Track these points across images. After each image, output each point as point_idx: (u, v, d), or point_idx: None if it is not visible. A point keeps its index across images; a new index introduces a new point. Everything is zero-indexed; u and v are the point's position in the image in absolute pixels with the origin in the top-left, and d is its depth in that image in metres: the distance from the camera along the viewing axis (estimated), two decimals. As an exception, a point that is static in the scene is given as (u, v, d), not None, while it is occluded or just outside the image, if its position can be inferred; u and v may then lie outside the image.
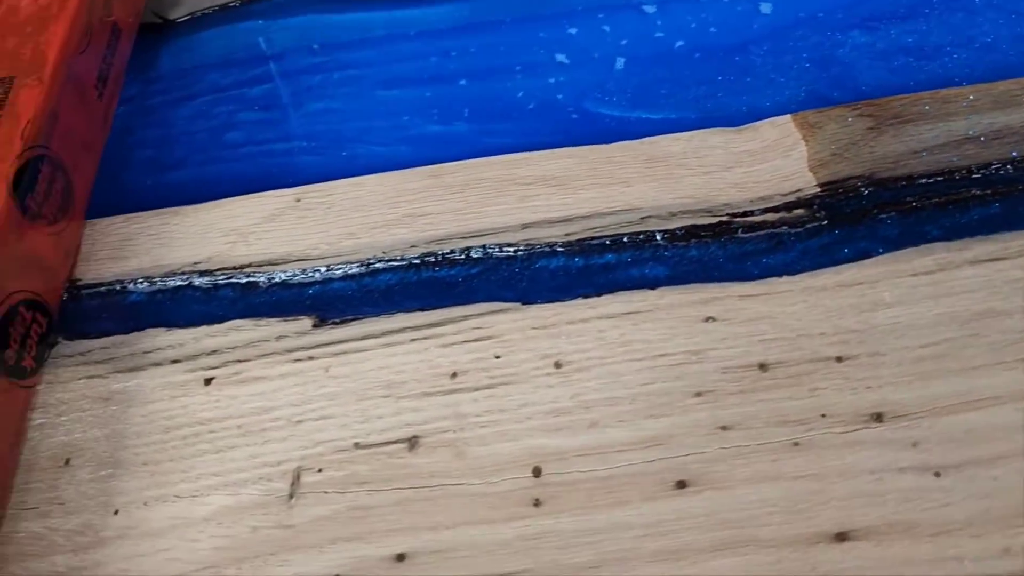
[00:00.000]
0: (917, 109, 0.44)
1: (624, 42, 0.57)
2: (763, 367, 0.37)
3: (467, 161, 0.46)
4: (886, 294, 0.39)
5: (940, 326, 0.37)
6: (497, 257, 0.42)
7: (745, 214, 0.42)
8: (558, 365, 0.38)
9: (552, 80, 0.56)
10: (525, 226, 0.43)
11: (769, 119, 0.45)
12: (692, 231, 0.42)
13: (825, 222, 0.41)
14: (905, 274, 0.39)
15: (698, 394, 0.37)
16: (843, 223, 0.41)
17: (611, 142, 0.48)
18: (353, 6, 0.61)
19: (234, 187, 0.53)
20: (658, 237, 0.42)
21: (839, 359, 0.37)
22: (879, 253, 0.40)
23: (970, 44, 0.51)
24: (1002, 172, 0.42)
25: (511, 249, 0.42)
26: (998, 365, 0.36)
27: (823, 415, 0.36)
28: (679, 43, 0.54)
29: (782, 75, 0.52)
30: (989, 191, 0.41)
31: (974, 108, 0.43)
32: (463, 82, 0.57)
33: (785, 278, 0.40)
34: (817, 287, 0.39)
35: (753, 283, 0.40)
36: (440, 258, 0.42)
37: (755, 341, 0.38)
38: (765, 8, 0.55)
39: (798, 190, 0.42)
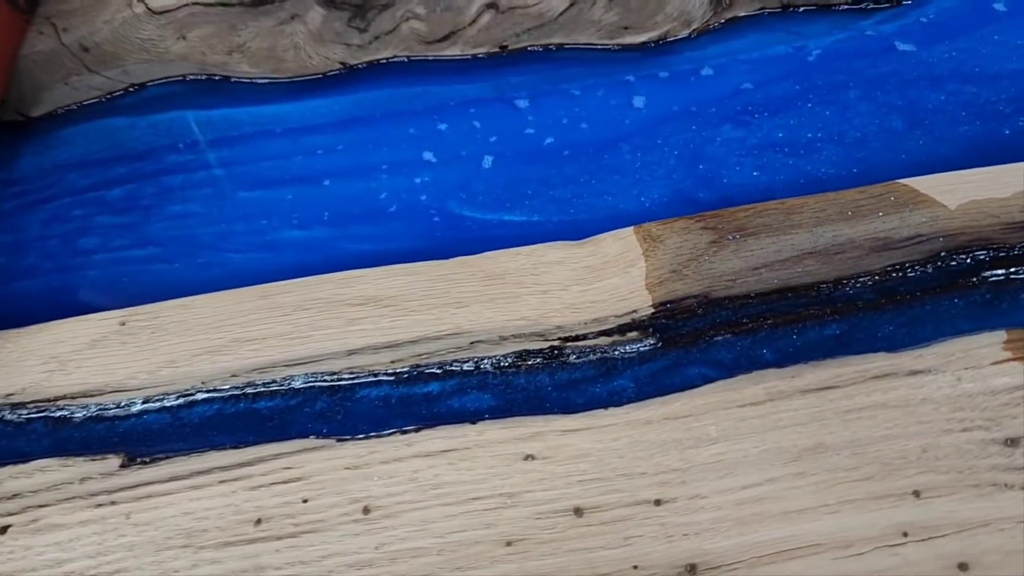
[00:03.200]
0: (761, 221, 0.42)
1: (493, 139, 0.55)
2: (578, 512, 0.35)
3: (299, 280, 0.44)
4: (712, 428, 0.37)
5: (765, 464, 0.35)
6: (318, 387, 0.40)
7: (577, 338, 0.40)
8: (367, 511, 0.36)
9: (418, 180, 0.54)
10: (350, 352, 0.41)
11: (613, 232, 0.43)
12: (521, 357, 0.40)
13: (658, 345, 0.40)
14: (734, 404, 0.37)
15: (509, 543, 0.35)
16: (676, 346, 0.39)
17: (472, 245, 0.46)
18: (222, 102, 0.59)
19: (80, 299, 0.51)
20: (486, 364, 0.40)
21: (658, 502, 0.35)
22: (711, 379, 0.38)
23: (841, 139, 0.50)
24: (841, 290, 0.40)
25: (333, 378, 0.40)
26: (822, 508, 0.34)
27: (635, 566, 0.34)
28: (549, 140, 0.53)
29: (650, 173, 0.51)
30: (828, 310, 0.40)
31: (819, 219, 0.42)
32: (327, 182, 0.55)
33: (611, 410, 0.38)
34: (642, 420, 0.37)
35: (578, 416, 0.38)
36: (260, 388, 0.40)
37: (573, 482, 0.36)
38: (638, 102, 0.54)
39: (633, 311, 0.40)
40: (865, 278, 0.40)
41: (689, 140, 0.52)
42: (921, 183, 0.43)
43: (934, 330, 0.39)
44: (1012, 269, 0.40)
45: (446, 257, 0.44)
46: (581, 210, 0.50)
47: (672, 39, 0.55)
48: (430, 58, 0.57)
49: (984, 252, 0.40)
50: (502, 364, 0.40)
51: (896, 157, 0.49)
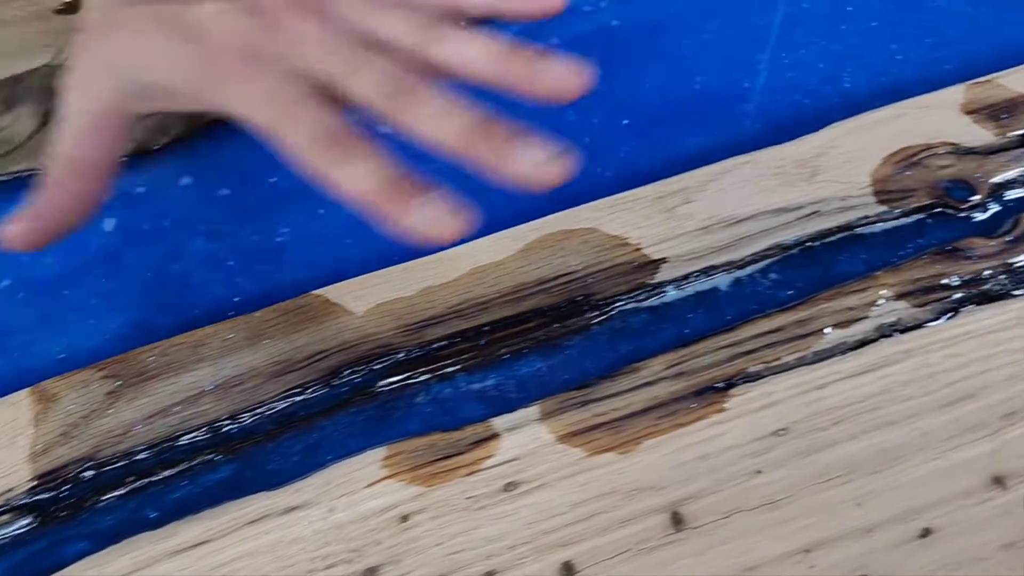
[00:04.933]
0: (167, 360, 0.40)
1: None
2: None
3: None
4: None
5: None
6: None
7: None
8: None
9: None
10: None
11: (6, 397, 0.40)
12: None
13: (35, 524, 0.36)
14: (97, 583, 0.35)
15: None
16: (55, 522, 0.36)
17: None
18: None
19: None
20: None
21: None
22: (88, 553, 0.35)
23: (320, 240, 0.48)
24: (238, 425, 0.38)
25: None
26: None
27: None
28: (6, 282, 0.49)
29: (112, 305, 0.48)
30: (221, 451, 0.38)
31: (228, 349, 0.40)
32: None
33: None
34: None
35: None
36: None
37: None
38: (108, 225, 0.50)
39: (8, 490, 0.37)
40: (263, 408, 0.39)
41: (158, 262, 0.49)
42: (334, 291, 0.42)
43: (325, 456, 0.38)
44: (406, 375, 0.39)
45: None
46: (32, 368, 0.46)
47: (155, 147, 0.52)
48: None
49: (381, 360, 0.39)
50: None
51: (365, 253, 0.47)
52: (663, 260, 0.41)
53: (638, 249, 0.41)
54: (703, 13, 0.57)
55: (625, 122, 0.52)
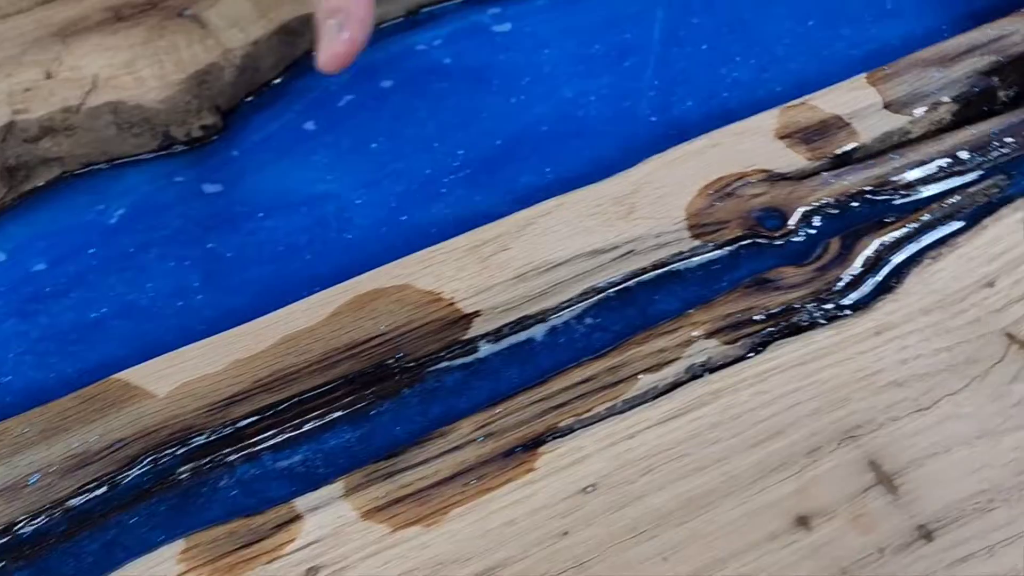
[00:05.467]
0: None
1: None
2: None
3: None
4: None
5: None
6: None
7: None
8: None
9: None
10: None
11: None
12: None
13: None
14: None
15: None
16: None
17: None
18: None
19: None
20: None
21: None
22: None
23: (130, 313, 0.46)
24: (29, 530, 0.36)
25: None
26: None
27: None
28: None
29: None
30: (13, 557, 0.36)
31: (20, 445, 0.38)
32: None
33: None
34: None
35: None
36: None
37: None
38: (-89, 303, 0.48)
39: None
40: (57, 507, 0.37)
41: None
42: (137, 372, 0.40)
43: (121, 554, 0.36)
44: (209, 458, 0.38)
45: None
46: None
47: (-34, 225, 0.50)
48: None
49: (183, 444, 0.38)
50: None
51: (184, 323, 0.46)
52: (476, 314, 0.40)
53: (451, 304, 0.40)
54: (536, 45, 0.57)
55: (457, 164, 0.51)
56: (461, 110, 0.53)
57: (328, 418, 0.38)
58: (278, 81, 0.54)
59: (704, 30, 0.56)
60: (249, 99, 0.53)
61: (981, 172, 0.44)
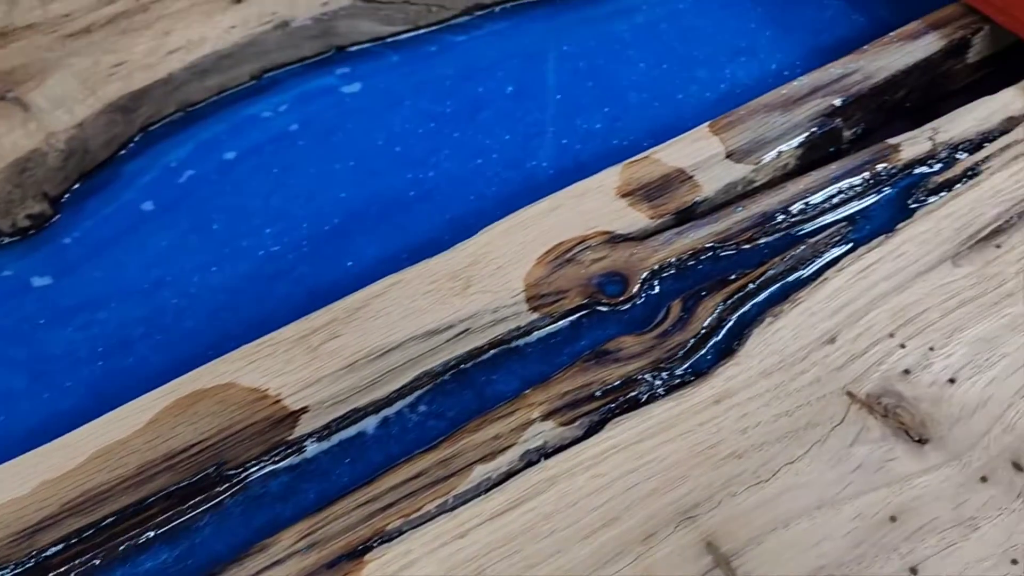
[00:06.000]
0: None
1: None
2: None
3: None
4: None
5: None
6: None
7: None
8: None
9: None
10: None
11: None
12: None
13: None
14: None
15: None
16: None
17: None
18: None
19: None
20: None
21: None
22: None
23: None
24: None
25: None
26: None
27: None
28: None
29: None
30: None
31: None
32: None
33: None
34: None
35: None
36: None
37: None
38: None
39: None
40: None
41: None
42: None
43: None
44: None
45: None
46: None
47: None
48: None
49: (-18, 583, 0.35)
50: None
51: (5, 434, 0.43)
52: (304, 410, 0.38)
53: (278, 401, 0.38)
54: (388, 104, 0.55)
55: (302, 239, 0.49)
56: (308, 179, 0.51)
57: (143, 538, 0.36)
58: (113, 161, 0.52)
59: (558, 79, 0.55)
60: (81, 183, 0.51)
61: (824, 220, 0.43)
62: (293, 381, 0.39)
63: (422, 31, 0.57)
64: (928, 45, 0.49)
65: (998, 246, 0.41)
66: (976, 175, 0.43)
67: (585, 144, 0.52)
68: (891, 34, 0.50)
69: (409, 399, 0.39)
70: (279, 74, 0.56)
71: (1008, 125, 0.45)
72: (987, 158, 0.44)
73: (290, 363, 0.39)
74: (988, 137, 0.45)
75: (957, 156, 0.44)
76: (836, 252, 0.42)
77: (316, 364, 0.39)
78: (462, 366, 0.39)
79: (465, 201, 0.49)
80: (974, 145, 0.45)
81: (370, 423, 0.38)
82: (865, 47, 0.49)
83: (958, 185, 0.43)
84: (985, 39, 0.50)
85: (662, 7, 0.58)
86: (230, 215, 0.50)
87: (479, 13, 0.58)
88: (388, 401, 0.39)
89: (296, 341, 0.40)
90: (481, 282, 0.41)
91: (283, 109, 0.54)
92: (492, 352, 0.40)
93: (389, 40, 0.57)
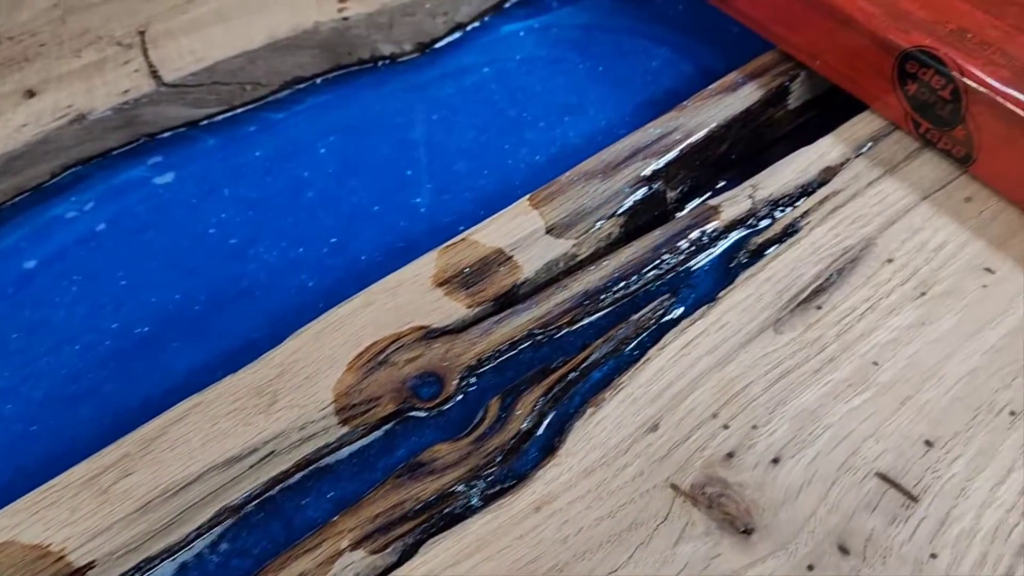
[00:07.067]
0: None
1: None
2: None
3: None
4: None
5: None
6: None
7: None
8: None
9: None
10: None
11: None
12: None
13: None
14: None
15: None
16: None
17: None
18: None
19: None
20: None
21: None
22: None
23: None
24: None
25: None
26: None
27: None
28: None
29: None
30: None
31: None
32: None
33: None
34: None
35: None
36: None
37: None
38: None
39: None
40: None
41: None
42: None
43: None
44: None
45: None
46: None
47: None
48: None
49: None
50: None
51: None
52: (90, 566, 0.34)
53: (61, 558, 0.35)
54: (203, 193, 0.52)
55: (107, 354, 0.45)
56: (116, 284, 0.48)
57: None
58: None
59: (384, 153, 0.53)
60: None
61: (646, 293, 0.42)
62: (79, 532, 0.35)
63: (239, 111, 0.54)
64: (747, 96, 0.48)
65: (819, 307, 0.40)
66: (795, 232, 0.42)
67: (412, 222, 0.49)
68: (711, 87, 0.49)
69: (209, 538, 0.36)
70: (87, 168, 0.52)
71: (826, 176, 0.45)
72: (806, 213, 0.43)
73: (77, 510, 0.36)
74: (807, 190, 0.44)
75: (776, 214, 0.44)
76: (660, 327, 0.40)
77: (106, 509, 0.36)
78: (268, 494, 0.37)
79: (287, 295, 0.47)
80: (793, 200, 0.44)
81: (166, 570, 0.35)
82: (685, 103, 0.48)
83: (778, 245, 0.42)
84: (804, 84, 0.50)
85: (491, 66, 0.57)
86: (28, 333, 0.46)
87: (300, 87, 0.55)
88: (186, 543, 0.35)
89: (85, 483, 0.36)
90: (288, 396, 0.38)
91: (89, 208, 0.51)
92: (300, 474, 0.37)
93: (204, 123, 0.54)
